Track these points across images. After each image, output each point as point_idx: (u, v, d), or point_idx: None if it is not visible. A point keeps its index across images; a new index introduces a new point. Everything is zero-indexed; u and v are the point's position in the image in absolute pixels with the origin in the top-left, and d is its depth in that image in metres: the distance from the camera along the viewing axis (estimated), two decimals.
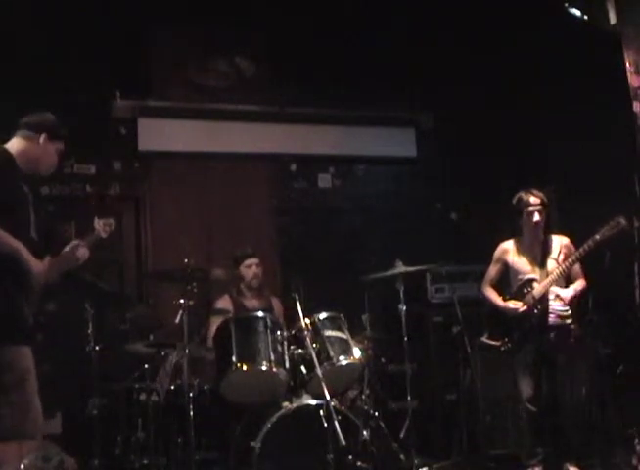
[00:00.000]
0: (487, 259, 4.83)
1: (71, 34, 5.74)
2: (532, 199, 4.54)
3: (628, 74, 4.82)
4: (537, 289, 4.48)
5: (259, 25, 6.39)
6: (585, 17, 5.11)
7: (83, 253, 3.38)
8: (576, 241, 4.53)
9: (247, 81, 6.56)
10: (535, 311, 4.47)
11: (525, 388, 4.49)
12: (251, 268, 5.19)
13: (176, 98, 6.33)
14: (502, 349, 4.56)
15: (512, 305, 4.52)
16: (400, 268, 4.71)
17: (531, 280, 4.53)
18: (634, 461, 4.40)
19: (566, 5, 5.13)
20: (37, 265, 3.04)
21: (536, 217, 4.53)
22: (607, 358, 5.09)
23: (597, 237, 4.29)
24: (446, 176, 6.70)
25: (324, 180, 6.80)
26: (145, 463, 4.38)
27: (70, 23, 5.74)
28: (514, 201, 4.61)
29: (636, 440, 4.45)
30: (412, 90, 6.67)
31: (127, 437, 4.55)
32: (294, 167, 6.70)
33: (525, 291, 4.52)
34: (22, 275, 2.96)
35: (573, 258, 4.41)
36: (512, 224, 4.68)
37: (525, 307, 4.47)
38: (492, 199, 6.16)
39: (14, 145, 3.19)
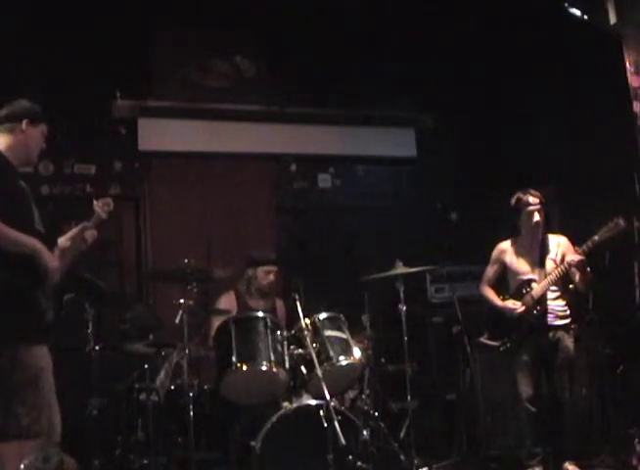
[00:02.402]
0: (487, 259, 4.83)
1: (72, 34, 5.74)
2: (531, 199, 4.54)
3: (628, 74, 4.81)
4: (536, 289, 4.48)
5: (259, 25, 6.39)
6: (585, 17, 5.10)
7: (91, 234, 3.40)
8: (577, 241, 4.53)
9: (247, 81, 6.56)
10: (535, 312, 4.47)
11: (525, 388, 4.49)
12: (269, 274, 5.11)
13: (176, 98, 6.33)
14: (501, 349, 4.57)
15: (511, 304, 4.53)
16: (400, 268, 4.71)
17: (530, 280, 4.53)
18: (634, 461, 4.40)
19: (566, 5, 5.13)
20: (53, 261, 3.04)
21: (536, 217, 4.53)
22: (607, 358, 5.09)
23: (596, 238, 4.30)
24: (446, 176, 6.70)
25: (324, 180, 6.81)
26: (145, 463, 4.38)
27: (71, 23, 5.74)
28: (512, 201, 4.61)
29: (636, 440, 4.45)
30: (412, 90, 6.67)
31: (127, 437, 4.54)
32: (294, 167, 6.70)
33: (524, 291, 4.52)
34: (39, 273, 2.96)
35: (580, 251, 4.38)
36: (511, 224, 4.68)
37: (523, 308, 4.48)
38: (492, 199, 6.16)
39: (0, 141, 3.18)
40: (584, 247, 4.33)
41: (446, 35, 6.32)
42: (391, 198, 6.84)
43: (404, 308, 4.67)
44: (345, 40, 6.42)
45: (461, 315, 5.05)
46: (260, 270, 5.12)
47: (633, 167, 4.96)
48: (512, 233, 4.72)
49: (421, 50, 6.46)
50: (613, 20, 4.91)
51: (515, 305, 4.51)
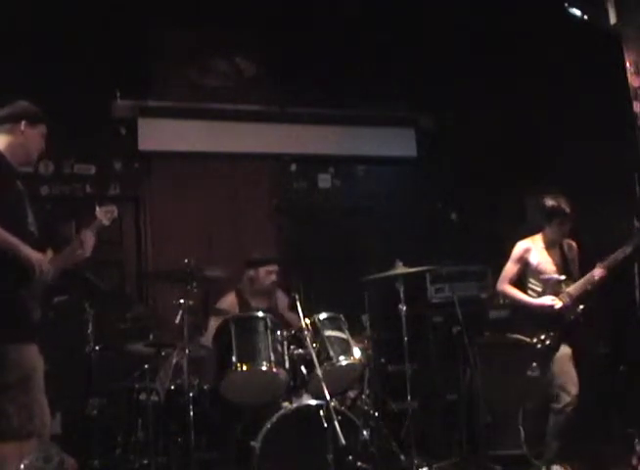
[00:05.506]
0: (487, 259, 4.84)
1: (72, 34, 5.74)
2: (568, 209, 4.59)
3: (628, 74, 4.81)
4: (575, 287, 4.50)
5: (259, 25, 6.39)
6: (585, 17, 5.10)
7: (89, 238, 3.40)
8: (577, 241, 4.54)
9: (247, 81, 6.56)
10: (578, 310, 4.48)
11: (572, 387, 4.43)
12: (271, 274, 5.09)
13: (176, 98, 6.34)
14: (538, 346, 4.52)
15: (550, 301, 4.52)
16: (400, 268, 4.71)
17: (561, 280, 4.55)
18: (634, 461, 4.39)
19: (566, 5, 5.12)
20: (39, 258, 3.03)
21: (569, 226, 4.61)
22: (607, 358, 5.08)
23: (628, 249, 4.36)
24: (446, 176, 6.70)
25: (324, 180, 6.81)
26: (145, 463, 4.37)
27: (71, 23, 5.74)
28: (549, 205, 4.61)
29: (636, 440, 4.44)
30: (412, 90, 6.68)
31: (127, 437, 4.54)
32: (294, 167, 6.70)
33: (560, 290, 4.53)
34: (25, 272, 2.96)
35: (603, 266, 4.45)
36: (512, 225, 4.68)
37: (561, 304, 4.48)
38: (492, 199, 6.16)
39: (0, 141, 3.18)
40: (615, 256, 4.38)
41: (446, 35, 6.32)
42: (391, 198, 6.83)
43: (404, 308, 4.67)
44: (346, 40, 6.42)
45: (461, 315, 5.05)
46: (262, 271, 5.10)
47: (633, 168, 4.96)
48: (529, 233, 4.73)
49: (421, 50, 6.46)
50: (613, 20, 4.90)
51: (554, 302, 4.50)
